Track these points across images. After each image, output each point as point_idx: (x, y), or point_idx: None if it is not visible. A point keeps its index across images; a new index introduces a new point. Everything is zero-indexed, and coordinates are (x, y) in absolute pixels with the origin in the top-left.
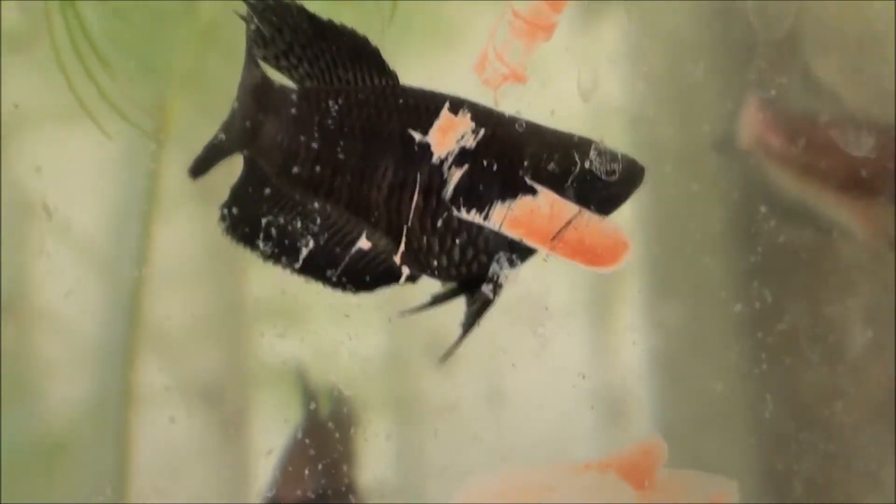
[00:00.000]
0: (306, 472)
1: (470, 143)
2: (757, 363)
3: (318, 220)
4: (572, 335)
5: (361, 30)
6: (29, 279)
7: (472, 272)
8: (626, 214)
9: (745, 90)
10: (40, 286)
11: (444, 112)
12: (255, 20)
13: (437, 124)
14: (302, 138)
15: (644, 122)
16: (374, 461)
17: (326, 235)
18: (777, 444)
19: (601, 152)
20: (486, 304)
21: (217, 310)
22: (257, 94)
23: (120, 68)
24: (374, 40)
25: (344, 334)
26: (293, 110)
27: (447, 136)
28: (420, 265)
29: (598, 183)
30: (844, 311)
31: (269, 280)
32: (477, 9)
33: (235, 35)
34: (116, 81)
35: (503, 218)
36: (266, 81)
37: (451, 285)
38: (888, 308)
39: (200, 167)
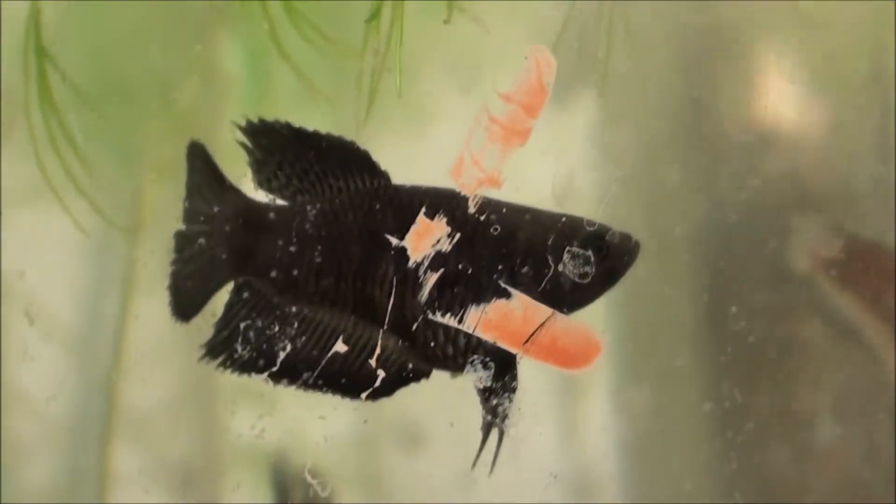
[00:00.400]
0: None
1: (445, 246)
2: (727, 461)
3: (295, 324)
4: (544, 434)
5: (338, 130)
6: (4, 363)
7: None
8: (598, 309)
9: (718, 191)
10: (16, 371)
11: (420, 217)
12: (251, 145)
13: (413, 229)
14: (298, 251)
15: (617, 223)
16: None
17: (304, 339)
18: None
19: (574, 255)
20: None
21: (190, 392)
22: (247, 220)
23: (97, 161)
24: (351, 139)
25: (315, 415)
26: (286, 226)
27: (423, 241)
28: (428, 359)
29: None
30: (813, 407)
31: None
32: (452, 100)
33: (208, 125)
34: (93, 176)
35: (478, 321)
36: (252, 204)
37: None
38: (856, 402)
39: (192, 308)
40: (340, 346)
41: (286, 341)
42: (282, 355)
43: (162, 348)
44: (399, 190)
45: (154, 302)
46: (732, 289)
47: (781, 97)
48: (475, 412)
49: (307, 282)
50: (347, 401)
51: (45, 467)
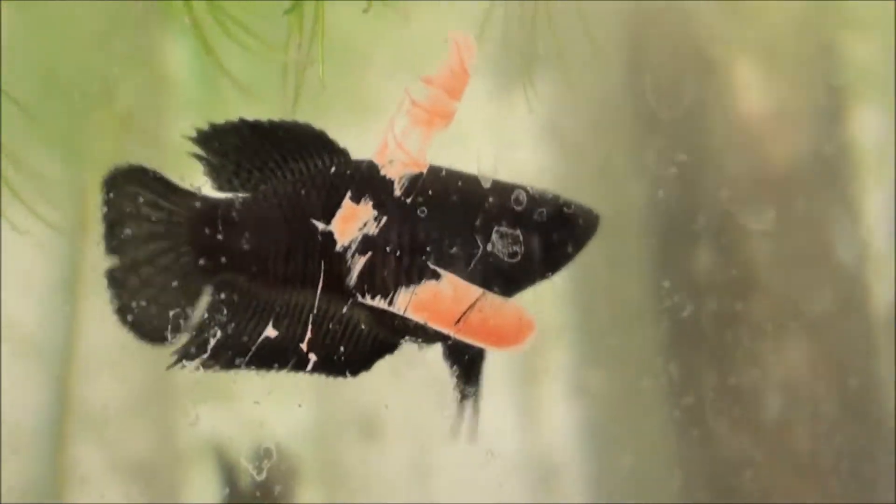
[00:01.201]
0: None
1: (372, 230)
2: (664, 436)
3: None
4: (499, 412)
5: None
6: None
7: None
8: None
9: (647, 168)
10: None
11: (346, 201)
12: (205, 154)
13: (339, 213)
14: (265, 239)
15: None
16: None
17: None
18: None
19: (503, 235)
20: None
21: (145, 389)
22: (211, 219)
23: (36, 163)
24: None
25: (269, 409)
26: (251, 216)
27: (349, 225)
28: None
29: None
30: (751, 382)
31: None
32: (379, 90)
33: (150, 122)
34: (32, 179)
35: (408, 302)
36: (212, 203)
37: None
38: (797, 376)
39: (171, 329)
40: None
41: (266, 329)
42: (262, 343)
43: (115, 347)
44: (359, 165)
45: (104, 300)
46: (665, 261)
47: (712, 75)
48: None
49: (277, 266)
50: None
51: (4, 471)
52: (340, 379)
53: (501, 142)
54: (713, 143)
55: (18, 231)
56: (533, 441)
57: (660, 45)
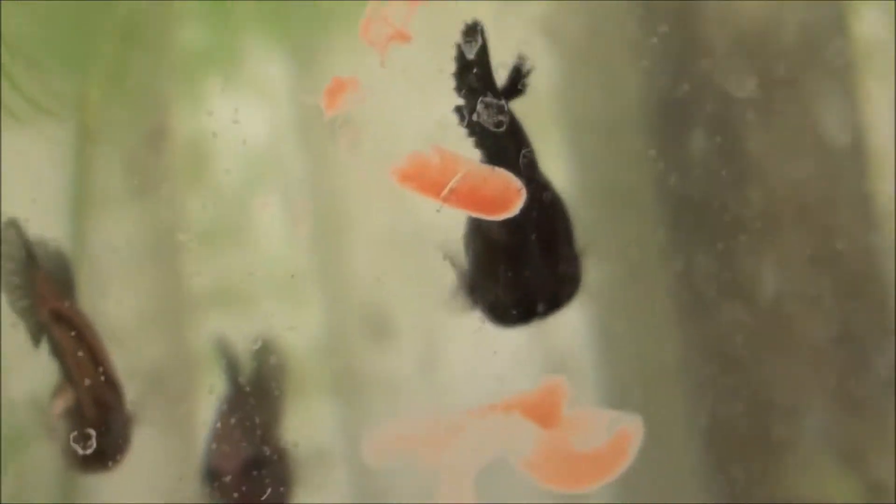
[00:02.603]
0: (240, 439)
1: (358, 103)
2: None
3: None
4: None
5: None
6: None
7: None
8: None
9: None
10: None
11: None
12: None
13: (326, 87)
14: None
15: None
16: (310, 422)
17: None
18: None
19: (488, 105)
20: None
21: (157, 300)
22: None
23: (39, 64)
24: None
25: (283, 314)
26: None
27: (336, 98)
28: None
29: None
30: (756, 261)
31: (206, 267)
32: None
33: (154, 27)
34: (34, 77)
35: (398, 173)
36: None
37: None
38: (800, 257)
39: None
40: None
41: None
42: None
43: (122, 258)
44: None
45: (113, 211)
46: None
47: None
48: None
49: None
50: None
51: (17, 381)
52: (350, 279)
53: None
54: None
55: (18, 119)
56: (538, 333)
57: None
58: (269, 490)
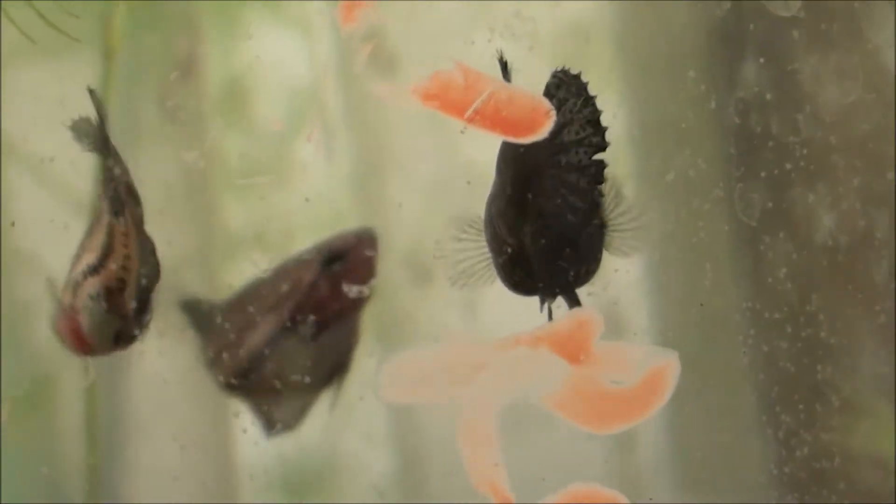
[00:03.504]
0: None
1: (376, 18)
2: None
3: None
4: None
5: None
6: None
7: None
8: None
9: None
10: (16, 227)
11: None
12: None
13: (342, 3)
14: None
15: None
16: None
17: None
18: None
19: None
20: None
21: (194, 240)
22: None
23: None
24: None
25: None
26: None
27: (352, 12)
28: None
29: None
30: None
31: (242, 211)
32: None
33: None
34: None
35: (420, 92)
36: None
37: None
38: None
39: None
40: None
41: None
42: None
43: (163, 197)
44: None
45: (154, 148)
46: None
47: None
48: None
49: None
50: None
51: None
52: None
53: None
54: None
55: (32, 40)
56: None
57: None
58: None
